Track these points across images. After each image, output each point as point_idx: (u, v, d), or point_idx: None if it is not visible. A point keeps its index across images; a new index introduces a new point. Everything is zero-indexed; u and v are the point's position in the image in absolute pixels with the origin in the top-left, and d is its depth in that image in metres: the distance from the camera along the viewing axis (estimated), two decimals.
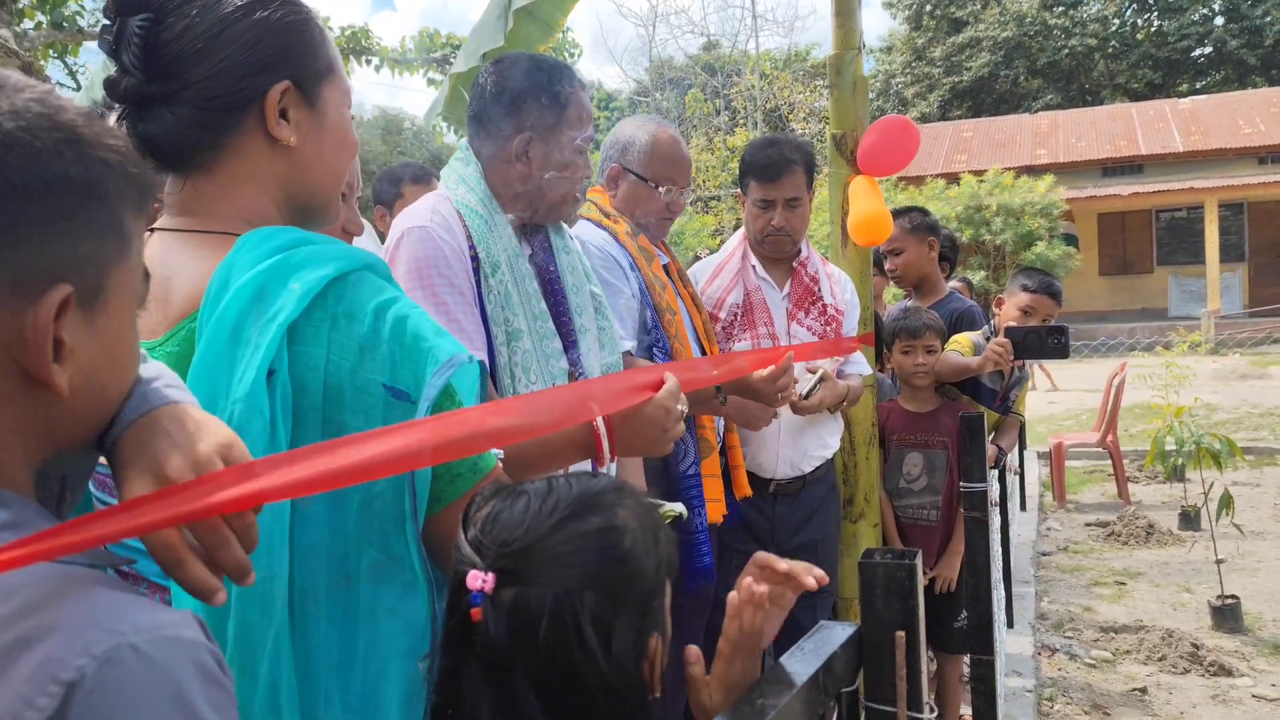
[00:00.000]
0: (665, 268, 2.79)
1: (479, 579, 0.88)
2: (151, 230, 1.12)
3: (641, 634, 0.93)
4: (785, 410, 2.93)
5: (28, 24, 8.83)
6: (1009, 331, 3.29)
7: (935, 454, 3.51)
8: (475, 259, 1.87)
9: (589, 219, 2.64)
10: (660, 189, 2.63)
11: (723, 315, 3.00)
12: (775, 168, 2.94)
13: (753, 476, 2.97)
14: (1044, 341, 3.22)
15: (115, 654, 0.59)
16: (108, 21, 1.11)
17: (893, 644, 1.04)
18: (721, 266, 3.09)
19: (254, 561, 0.91)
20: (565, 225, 2.19)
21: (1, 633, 0.60)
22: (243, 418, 0.96)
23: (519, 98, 1.93)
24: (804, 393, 2.79)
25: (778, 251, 3.03)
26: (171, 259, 1.08)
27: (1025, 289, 3.57)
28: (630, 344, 2.46)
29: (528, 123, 1.92)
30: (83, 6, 9.89)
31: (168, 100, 1.11)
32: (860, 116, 3.33)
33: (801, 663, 0.98)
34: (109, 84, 1.11)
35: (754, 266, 3.05)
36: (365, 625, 1.02)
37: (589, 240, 2.52)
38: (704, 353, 2.76)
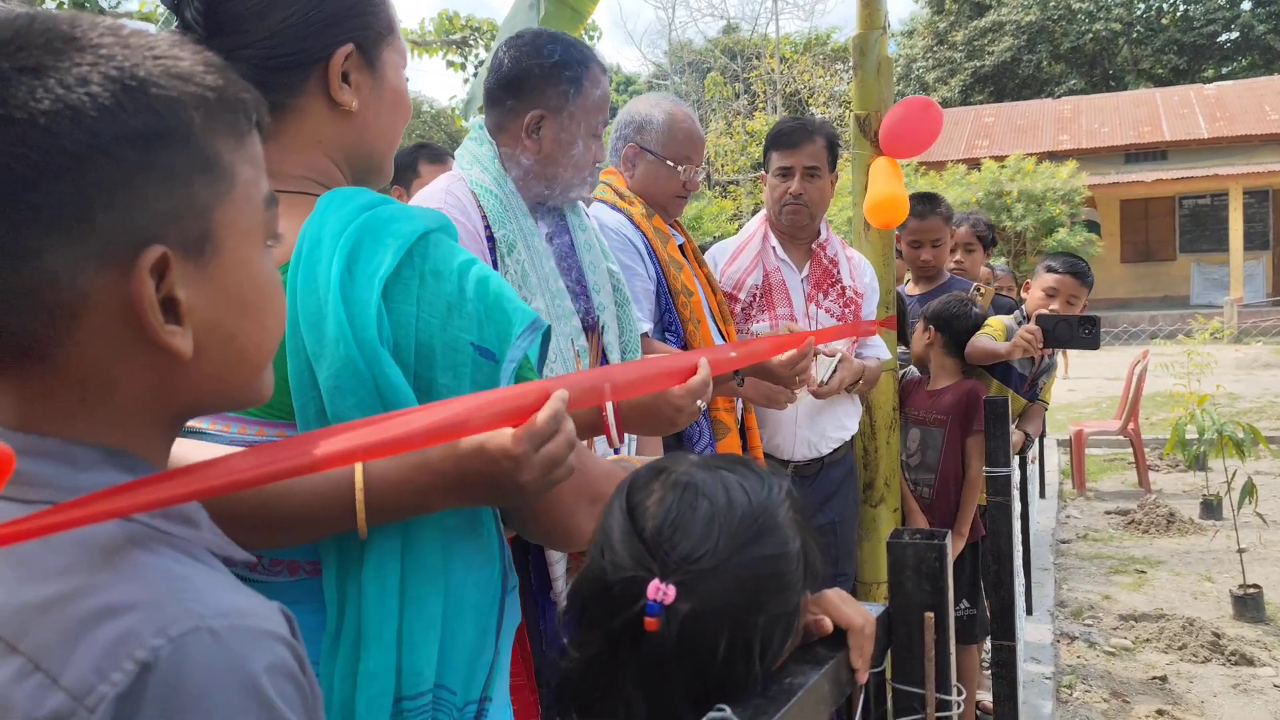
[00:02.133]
0: (681, 248, 2.78)
1: (660, 590, 0.88)
2: None
3: (785, 645, 0.95)
4: (803, 392, 2.91)
5: (50, 4, 8.86)
6: (1040, 319, 3.26)
7: (931, 431, 3.50)
8: (491, 239, 1.85)
9: (604, 201, 2.63)
10: (680, 168, 2.60)
11: (742, 296, 2.99)
12: (795, 135, 2.97)
13: (770, 458, 2.95)
14: (1075, 331, 3.19)
15: (191, 636, 0.59)
16: None
17: (922, 625, 1.02)
18: (741, 248, 3.07)
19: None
20: (579, 204, 2.19)
21: (94, 596, 0.61)
22: (382, 373, 1.00)
23: (534, 73, 1.90)
24: (824, 379, 2.77)
25: (795, 225, 3.01)
26: None
27: (1050, 269, 3.53)
28: (648, 326, 2.45)
29: (540, 99, 1.90)
30: None
31: (228, 58, 1.10)
32: (884, 98, 3.29)
33: (829, 644, 0.96)
34: None
35: (774, 248, 3.04)
36: (448, 575, 1.07)
37: (605, 222, 2.51)
38: (721, 334, 2.74)
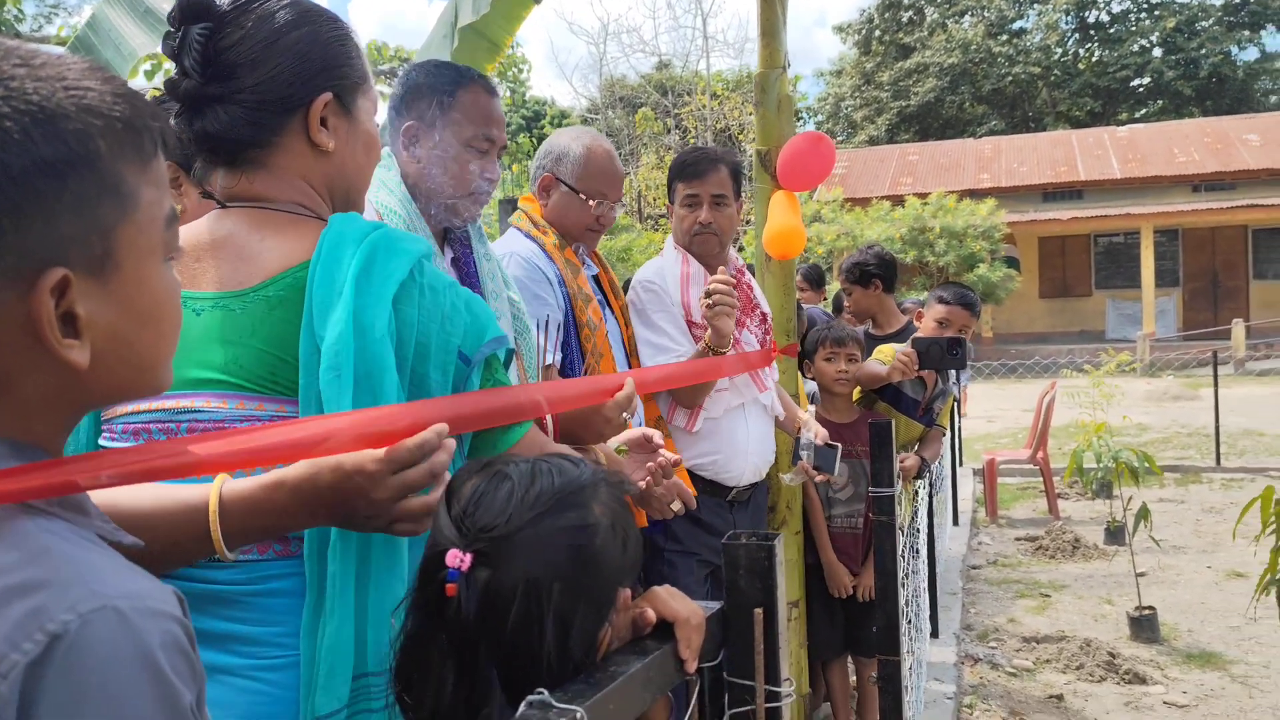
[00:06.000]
0: (596, 279, 2.80)
1: (457, 558, 0.94)
2: (224, 206, 1.28)
3: (597, 624, 1.00)
4: (753, 418, 2.96)
5: None
6: (914, 342, 3.41)
7: (859, 463, 3.59)
8: None
9: (519, 228, 2.65)
10: (592, 202, 2.60)
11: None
12: (699, 165, 2.97)
13: (716, 484, 2.93)
14: (945, 353, 3.35)
15: (99, 614, 0.65)
16: (171, 29, 1.25)
17: (752, 621, 1.09)
18: (686, 277, 2.98)
19: None
20: (485, 233, 2.24)
21: (4, 576, 0.66)
22: (382, 357, 1.15)
23: (413, 90, 2.00)
24: (835, 474, 2.94)
25: (706, 252, 2.99)
26: (259, 227, 1.24)
27: (941, 300, 3.68)
28: (554, 357, 2.46)
29: (414, 113, 1.99)
30: (21, 12, 9.76)
31: (222, 101, 1.23)
32: (785, 134, 3.41)
33: (657, 637, 1.02)
34: (169, 84, 1.25)
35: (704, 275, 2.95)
36: (413, 558, 1.16)
37: (516, 250, 2.52)
38: (630, 367, 2.77)
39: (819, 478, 2.96)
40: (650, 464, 2.17)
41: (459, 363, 1.24)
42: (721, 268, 2.93)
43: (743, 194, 3.13)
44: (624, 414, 1.81)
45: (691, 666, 1.04)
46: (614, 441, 1.92)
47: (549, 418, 1.68)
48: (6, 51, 0.73)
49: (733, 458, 2.93)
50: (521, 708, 0.84)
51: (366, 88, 1.36)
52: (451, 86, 1.99)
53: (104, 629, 0.65)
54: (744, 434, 2.93)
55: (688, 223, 2.99)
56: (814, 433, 2.97)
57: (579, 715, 0.83)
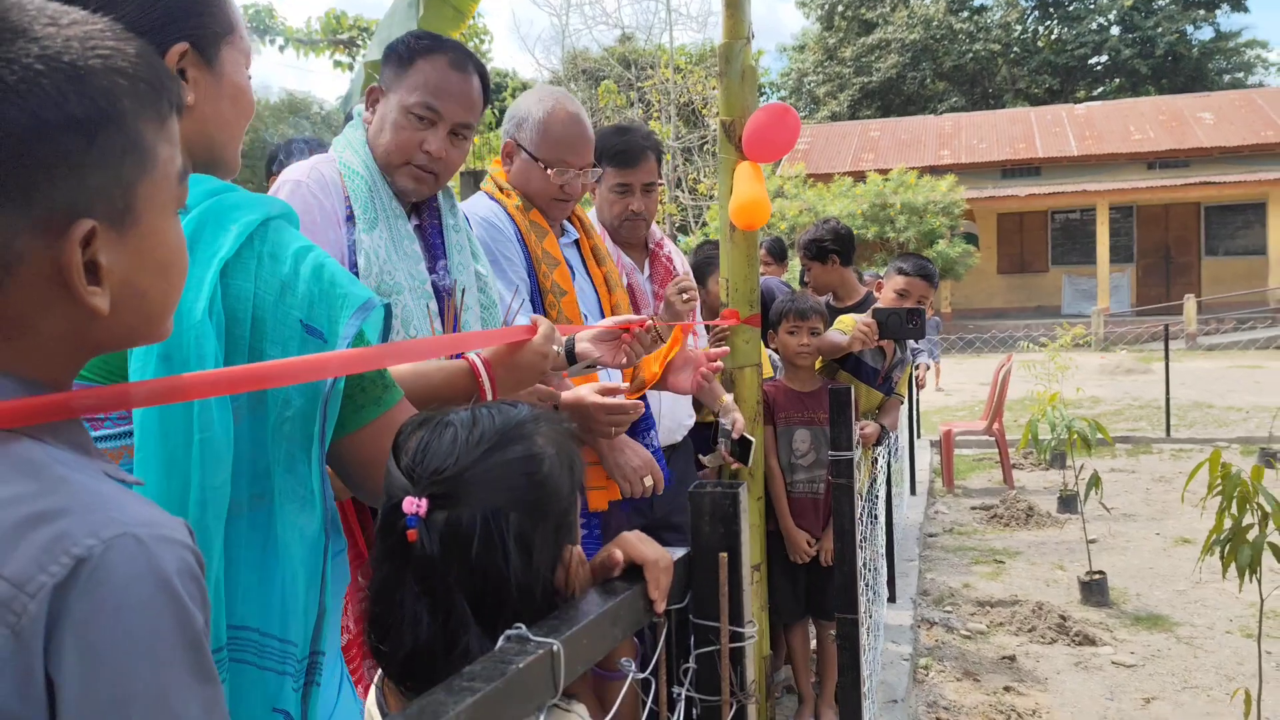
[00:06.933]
0: (576, 243, 2.75)
1: (414, 504, 0.98)
2: None
3: (558, 545, 1.05)
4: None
5: None
6: (875, 313, 3.49)
7: (821, 430, 3.67)
8: (351, 218, 1.90)
9: (484, 191, 2.62)
10: (551, 171, 2.50)
11: None
12: (631, 154, 2.95)
13: None
14: (904, 323, 3.43)
15: (120, 540, 0.70)
16: None
17: (717, 565, 1.14)
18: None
19: (213, 468, 1.09)
20: (457, 203, 2.23)
21: (27, 504, 0.70)
22: (200, 341, 1.09)
23: (386, 54, 1.99)
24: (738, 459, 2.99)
25: (634, 236, 3.05)
26: None
27: (900, 272, 3.75)
28: (525, 319, 2.45)
29: (382, 76, 1.98)
30: None
31: None
32: (748, 104, 3.44)
33: (628, 579, 1.07)
34: None
35: (621, 255, 3.05)
36: (276, 535, 1.17)
37: (476, 211, 2.47)
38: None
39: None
40: (627, 333, 2.15)
41: (305, 337, 1.16)
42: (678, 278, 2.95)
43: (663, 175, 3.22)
44: (554, 346, 1.73)
45: (660, 607, 1.08)
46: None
47: (486, 379, 1.65)
48: (38, 10, 0.77)
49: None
50: (500, 640, 0.88)
51: (233, 38, 1.29)
52: (413, 54, 1.94)
53: (124, 554, 0.69)
54: (654, 397, 2.95)
55: (618, 209, 2.99)
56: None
57: (555, 647, 0.88)
